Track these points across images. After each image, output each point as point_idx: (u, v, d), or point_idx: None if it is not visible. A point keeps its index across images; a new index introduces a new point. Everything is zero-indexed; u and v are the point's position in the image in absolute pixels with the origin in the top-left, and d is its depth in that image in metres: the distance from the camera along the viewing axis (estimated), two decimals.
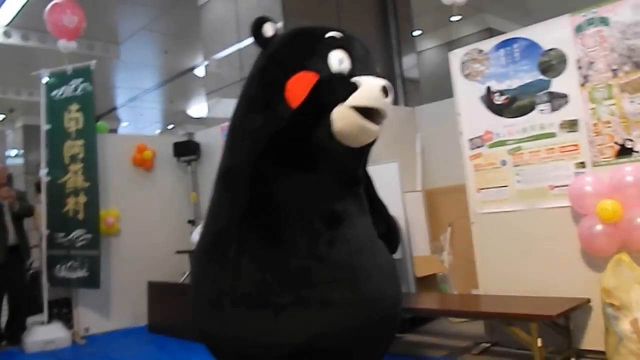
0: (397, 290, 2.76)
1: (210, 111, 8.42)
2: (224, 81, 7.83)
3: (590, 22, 3.69)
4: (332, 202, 2.54)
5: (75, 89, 6.22)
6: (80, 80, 6.24)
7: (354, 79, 2.42)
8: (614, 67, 3.58)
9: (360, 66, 2.52)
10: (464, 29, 10.84)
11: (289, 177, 2.52)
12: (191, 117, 16.56)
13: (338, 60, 2.48)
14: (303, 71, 2.48)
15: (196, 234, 6.47)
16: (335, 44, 2.53)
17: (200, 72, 11.43)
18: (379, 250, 2.67)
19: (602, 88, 3.63)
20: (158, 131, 19.41)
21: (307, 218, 2.47)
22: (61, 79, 6.29)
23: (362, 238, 2.57)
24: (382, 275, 2.60)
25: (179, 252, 6.59)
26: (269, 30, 2.69)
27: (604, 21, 3.64)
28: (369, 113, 2.40)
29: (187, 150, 7.18)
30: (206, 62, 8.65)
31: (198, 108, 15.34)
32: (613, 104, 3.59)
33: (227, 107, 7.72)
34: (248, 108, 2.67)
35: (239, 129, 2.71)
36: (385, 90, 2.38)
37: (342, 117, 2.39)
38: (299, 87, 2.47)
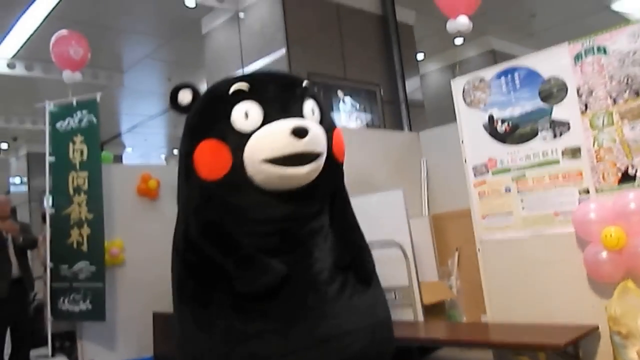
0: (376, 320, 2.71)
1: None
2: None
3: (589, 51, 3.75)
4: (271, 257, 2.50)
5: (80, 120, 6.25)
6: (85, 112, 6.28)
7: (260, 131, 2.39)
8: (614, 94, 3.63)
9: (277, 110, 2.47)
10: (468, 51, 10.95)
11: (216, 247, 2.53)
12: None
13: (242, 115, 2.43)
14: (206, 139, 2.46)
15: None
16: (240, 97, 2.48)
17: None
18: (332, 287, 2.60)
19: (603, 115, 3.68)
20: (163, 156, 19.49)
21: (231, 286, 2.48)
22: (66, 110, 6.33)
23: (303, 283, 2.54)
24: (339, 311, 2.55)
25: None
26: (184, 97, 2.69)
27: (602, 50, 3.70)
28: (291, 158, 2.36)
29: None
30: None
31: None
32: (614, 131, 3.64)
33: None
34: (179, 179, 2.71)
35: (177, 200, 2.76)
36: (297, 132, 2.33)
37: (256, 172, 2.38)
38: (202, 157, 2.46)
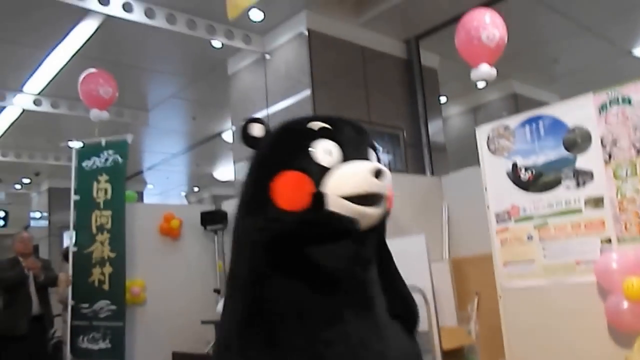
0: None
1: (237, 175, 8.58)
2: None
3: (614, 101, 3.81)
4: (332, 297, 2.49)
5: (106, 160, 6.35)
6: (112, 152, 6.39)
7: (342, 167, 2.41)
8: (638, 145, 3.68)
9: (352, 151, 2.50)
10: (490, 94, 11.02)
11: (288, 279, 2.50)
12: (217, 180, 16.76)
13: (324, 152, 2.45)
14: (287, 170, 2.52)
15: (221, 304, 6.54)
16: (320, 135, 2.51)
17: (227, 136, 11.64)
18: (388, 335, 2.60)
19: (626, 166, 3.73)
20: (183, 194, 19.62)
21: (305, 318, 2.45)
22: (93, 150, 6.43)
23: (364, 329, 2.51)
24: (397, 356, 2.57)
25: (204, 322, 6.66)
26: (255, 130, 2.76)
27: (627, 100, 3.76)
28: (364, 198, 2.38)
29: (214, 219, 7.30)
30: (234, 128, 8.85)
31: (224, 171, 15.52)
32: (637, 182, 3.68)
33: None
34: (245, 210, 2.65)
35: (239, 231, 2.79)
36: (376, 173, 2.36)
37: (335, 207, 2.44)
38: (283, 187, 2.50)
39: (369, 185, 2.37)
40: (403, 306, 2.81)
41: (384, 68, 8.52)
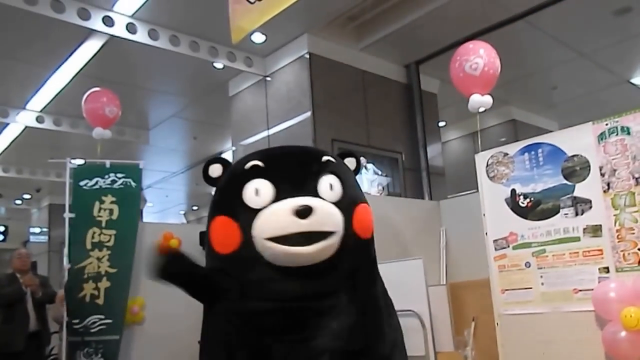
0: None
1: None
2: None
3: (612, 131, 3.80)
4: (262, 332, 2.53)
5: (113, 182, 6.33)
6: (122, 175, 6.37)
7: (268, 208, 2.43)
8: (636, 175, 3.67)
9: (287, 187, 2.50)
10: (489, 120, 11.02)
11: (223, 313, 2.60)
12: None
13: (253, 192, 2.49)
14: (219, 215, 2.51)
15: None
16: (254, 174, 2.55)
17: (228, 156, 11.63)
18: None
19: (625, 195, 3.71)
20: (182, 212, 19.57)
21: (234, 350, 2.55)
22: (95, 170, 6.38)
23: None
24: None
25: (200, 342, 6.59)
26: (214, 171, 2.76)
27: (625, 130, 3.75)
28: (293, 237, 2.38)
29: None
30: (234, 148, 8.84)
31: None
32: (636, 211, 3.66)
33: None
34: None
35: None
36: (299, 213, 2.36)
37: (263, 249, 2.39)
38: (215, 232, 2.52)
39: (288, 225, 2.38)
40: (366, 343, 2.69)
41: (384, 92, 8.54)
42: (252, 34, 7.25)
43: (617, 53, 8.89)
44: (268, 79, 8.19)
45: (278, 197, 2.44)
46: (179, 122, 10.61)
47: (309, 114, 7.45)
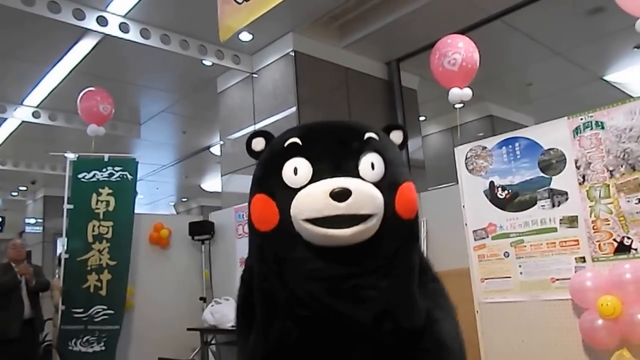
0: None
1: (224, 187, 8.51)
2: (239, 161, 7.96)
3: (587, 126, 3.77)
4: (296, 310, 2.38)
5: (110, 175, 6.31)
6: (119, 169, 6.37)
7: (305, 189, 2.26)
8: (611, 168, 3.64)
9: (325, 167, 2.32)
10: (467, 115, 10.98)
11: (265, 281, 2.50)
12: (205, 192, 16.67)
13: (292, 171, 2.32)
14: (258, 193, 2.42)
15: (208, 312, 6.47)
16: (291, 152, 2.38)
17: (216, 150, 11.58)
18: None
19: (600, 187, 3.68)
20: (172, 204, 19.48)
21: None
22: (94, 163, 6.37)
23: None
24: None
25: (189, 329, 6.56)
26: (256, 145, 2.64)
27: (600, 125, 3.71)
28: (329, 219, 2.21)
29: (201, 229, 7.24)
30: (222, 142, 8.77)
31: (212, 183, 15.43)
32: (610, 203, 3.63)
33: (240, 183, 7.83)
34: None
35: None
36: (336, 196, 2.20)
37: (300, 229, 2.31)
38: (253, 209, 2.41)
39: (324, 208, 2.21)
40: (396, 321, 2.39)
41: (366, 88, 8.48)
42: (239, 32, 7.20)
43: (590, 51, 8.87)
44: (255, 75, 8.11)
45: (316, 177, 2.29)
46: (169, 117, 10.53)
47: (294, 109, 7.38)
